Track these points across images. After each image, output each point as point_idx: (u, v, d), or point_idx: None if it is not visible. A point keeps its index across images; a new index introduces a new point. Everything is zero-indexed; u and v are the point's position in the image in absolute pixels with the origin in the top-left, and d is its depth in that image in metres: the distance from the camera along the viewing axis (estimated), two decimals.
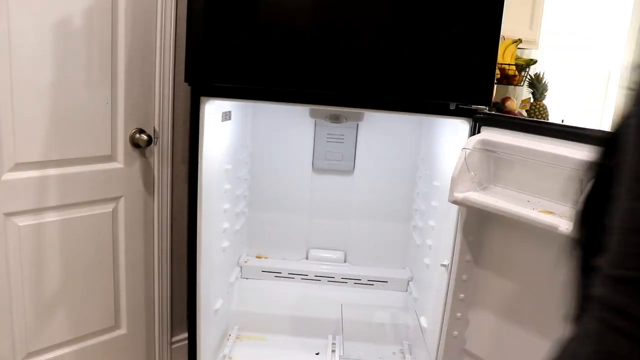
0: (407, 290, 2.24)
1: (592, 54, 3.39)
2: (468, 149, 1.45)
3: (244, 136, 2.18)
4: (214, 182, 1.71)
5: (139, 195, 1.75)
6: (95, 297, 1.70)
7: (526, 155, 1.38)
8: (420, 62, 1.43)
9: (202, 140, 1.53)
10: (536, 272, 1.40)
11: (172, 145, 1.82)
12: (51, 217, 1.54)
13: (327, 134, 2.24)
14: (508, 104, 2.40)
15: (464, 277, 1.54)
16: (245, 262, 2.30)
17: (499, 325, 1.50)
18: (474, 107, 1.51)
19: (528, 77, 2.52)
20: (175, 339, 2.00)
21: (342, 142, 2.22)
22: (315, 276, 2.28)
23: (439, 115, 1.55)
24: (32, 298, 1.53)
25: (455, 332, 1.60)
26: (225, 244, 1.97)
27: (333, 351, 2.00)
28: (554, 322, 1.35)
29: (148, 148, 1.74)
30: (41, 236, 1.52)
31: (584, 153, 1.26)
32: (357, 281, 2.27)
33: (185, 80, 1.48)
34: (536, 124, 1.44)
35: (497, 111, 2.31)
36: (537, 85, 2.53)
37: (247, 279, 2.29)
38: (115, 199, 1.69)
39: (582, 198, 0.64)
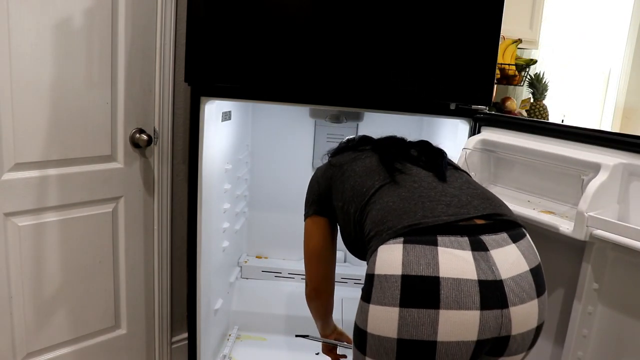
0: None
1: (592, 54, 3.39)
2: (468, 149, 1.45)
3: (244, 136, 2.18)
4: (214, 182, 1.71)
5: (139, 195, 1.75)
6: (95, 297, 1.70)
7: (526, 155, 1.38)
8: (420, 62, 1.43)
9: (202, 140, 1.53)
10: None
11: (172, 145, 1.82)
12: (51, 217, 1.54)
13: (327, 134, 2.24)
14: (508, 104, 2.39)
15: None
16: (245, 262, 2.30)
17: None
18: (474, 107, 1.51)
19: (528, 77, 2.52)
20: (175, 339, 2.00)
21: None
22: None
23: (439, 115, 1.55)
24: (32, 298, 1.53)
25: None
26: (225, 244, 1.97)
27: None
28: (554, 321, 1.35)
29: (148, 148, 1.73)
30: (41, 236, 1.52)
31: (584, 153, 1.25)
32: (357, 281, 2.27)
33: (185, 80, 1.48)
34: (536, 124, 1.44)
35: (497, 111, 2.31)
36: (537, 85, 2.53)
37: (247, 279, 2.29)
38: (115, 199, 1.69)
39: None
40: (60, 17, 1.43)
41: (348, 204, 1.12)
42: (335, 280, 2.31)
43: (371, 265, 0.95)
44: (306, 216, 1.31)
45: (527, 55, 2.67)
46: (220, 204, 1.87)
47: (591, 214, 1.14)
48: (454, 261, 0.89)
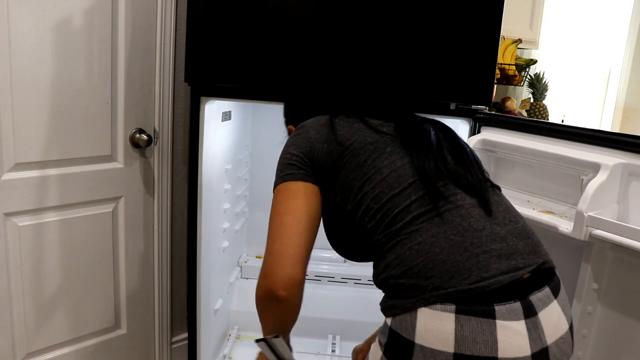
0: None
1: (592, 54, 3.39)
2: None
3: (244, 136, 2.18)
4: (214, 182, 1.71)
5: (139, 195, 1.75)
6: (95, 297, 1.70)
7: (526, 155, 1.38)
8: (420, 62, 1.43)
9: (202, 140, 1.53)
10: None
11: (172, 145, 1.82)
12: (51, 217, 1.54)
13: None
14: (508, 104, 2.40)
15: None
16: (245, 262, 2.30)
17: None
18: (474, 107, 1.51)
19: (528, 77, 2.52)
20: (175, 339, 2.00)
21: None
22: (315, 276, 2.28)
23: (439, 115, 1.54)
24: (32, 298, 1.53)
25: None
26: (225, 244, 1.97)
27: (333, 351, 2.00)
28: None
29: (148, 148, 1.73)
30: (41, 236, 1.52)
31: (584, 153, 1.26)
32: (357, 281, 2.27)
33: (185, 80, 1.48)
34: (536, 124, 1.44)
35: (497, 111, 2.31)
36: (537, 85, 2.53)
37: (247, 279, 2.28)
38: (115, 199, 1.69)
39: None
40: (60, 17, 1.43)
41: (364, 213, 0.93)
42: (335, 280, 2.32)
43: (408, 329, 0.81)
44: (285, 179, 1.02)
45: (527, 55, 2.67)
46: (220, 204, 1.87)
47: (590, 214, 1.14)
48: (512, 338, 0.79)
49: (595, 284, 1.20)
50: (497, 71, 2.29)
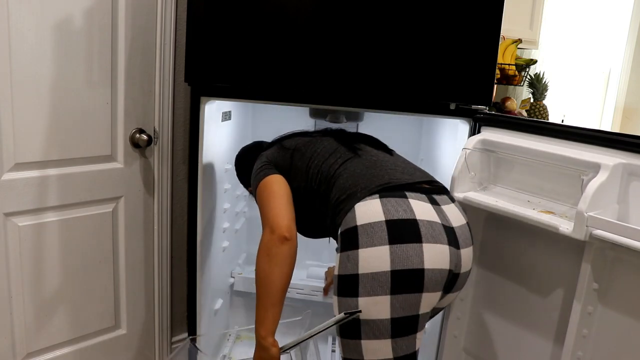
0: None
1: (592, 54, 3.39)
2: (468, 149, 1.45)
3: (244, 136, 2.18)
4: (214, 181, 1.71)
5: (139, 195, 1.75)
6: (95, 297, 1.70)
7: (526, 155, 1.38)
8: (420, 62, 1.43)
9: (202, 140, 1.53)
10: (536, 271, 1.40)
11: (172, 145, 1.82)
12: (51, 217, 1.54)
13: None
14: (508, 104, 2.40)
15: None
16: None
17: (499, 325, 1.50)
18: (474, 107, 1.51)
19: (528, 77, 2.52)
20: (175, 339, 2.00)
21: None
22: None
23: (439, 115, 1.55)
24: (32, 298, 1.53)
25: (456, 333, 1.60)
26: (225, 244, 1.97)
27: (333, 351, 2.00)
28: (553, 321, 1.36)
29: (148, 148, 1.73)
30: (41, 236, 1.52)
31: (584, 153, 1.25)
32: None
33: (185, 80, 1.48)
34: (536, 124, 1.44)
35: (497, 111, 2.31)
36: (537, 85, 2.53)
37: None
38: (115, 199, 1.69)
39: None
40: (60, 17, 1.43)
41: (311, 181, 1.26)
42: None
43: (349, 221, 1.10)
44: (265, 175, 1.28)
45: (527, 55, 2.68)
46: (220, 204, 1.87)
47: (591, 214, 1.14)
48: (424, 207, 1.10)
49: (595, 284, 1.20)
50: (497, 71, 2.29)
